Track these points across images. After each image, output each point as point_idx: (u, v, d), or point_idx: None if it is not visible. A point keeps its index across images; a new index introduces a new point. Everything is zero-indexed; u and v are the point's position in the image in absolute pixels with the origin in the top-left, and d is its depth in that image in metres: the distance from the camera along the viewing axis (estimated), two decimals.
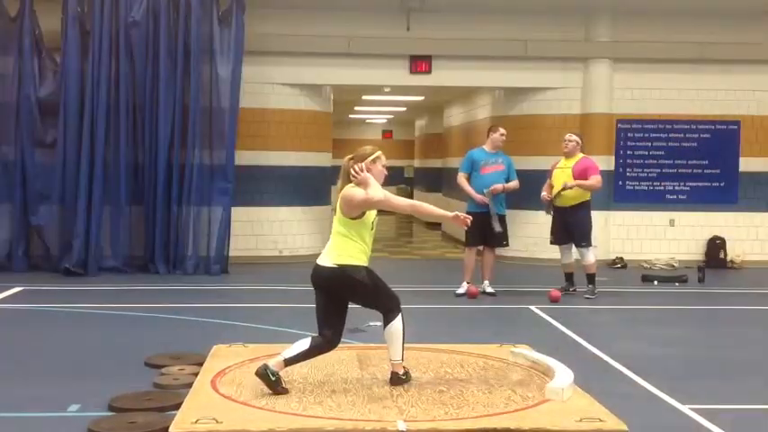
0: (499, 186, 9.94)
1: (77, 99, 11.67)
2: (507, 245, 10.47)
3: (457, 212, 5.70)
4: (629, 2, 12.90)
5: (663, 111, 13.52)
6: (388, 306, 5.48)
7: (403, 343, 5.50)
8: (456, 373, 5.84)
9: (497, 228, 9.87)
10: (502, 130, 10.29)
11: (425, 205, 5.98)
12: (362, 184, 5.42)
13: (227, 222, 12.04)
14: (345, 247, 5.43)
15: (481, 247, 10.25)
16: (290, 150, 13.21)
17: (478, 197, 9.93)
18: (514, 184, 10.14)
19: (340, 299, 5.48)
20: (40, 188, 11.79)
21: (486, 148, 10.27)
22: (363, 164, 5.48)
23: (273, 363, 5.28)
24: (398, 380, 5.51)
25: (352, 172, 5.46)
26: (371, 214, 5.53)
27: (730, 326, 9.03)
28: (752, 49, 13.30)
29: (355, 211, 5.44)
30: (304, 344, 5.36)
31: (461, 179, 10.20)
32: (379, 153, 5.57)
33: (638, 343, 7.79)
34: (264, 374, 5.23)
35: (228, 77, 12.03)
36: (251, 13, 12.18)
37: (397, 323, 5.46)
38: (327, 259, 5.45)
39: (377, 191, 5.39)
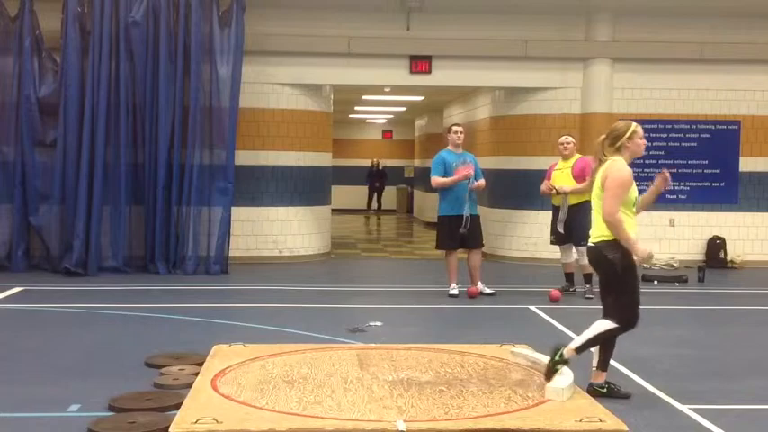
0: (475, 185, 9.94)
1: (77, 99, 11.67)
2: (483, 245, 10.50)
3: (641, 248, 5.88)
4: (629, 2, 12.89)
5: (663, 111, 13.51)
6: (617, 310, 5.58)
7: (592, 343, 5.53)
8: (456, 373, 5.84)
9: (462, 230, 9.85)
10: (455, 128, 10.13)
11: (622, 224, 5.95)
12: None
13: (227, 222, 12.04)
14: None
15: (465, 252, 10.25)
16: (290, 150, 13.21)
17: (461, 175, 9.81)
18: (482, 182, 10.09)
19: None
20: (40, 188, 11.79)
21: (451, 149, 10.13)
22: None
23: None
24: (550, 364, 5.42)
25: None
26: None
27: (730, 326, 9.02)
28: (752, 49, 13.30)
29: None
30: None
31: (436, 181, 9.96)
32: (634, 127, 5.80)
33: (638, 343, 7.75)
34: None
35: (228, 77, 12.03)
36: (251, 13, 12.18)
37: (606, 324, 5.53)
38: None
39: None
